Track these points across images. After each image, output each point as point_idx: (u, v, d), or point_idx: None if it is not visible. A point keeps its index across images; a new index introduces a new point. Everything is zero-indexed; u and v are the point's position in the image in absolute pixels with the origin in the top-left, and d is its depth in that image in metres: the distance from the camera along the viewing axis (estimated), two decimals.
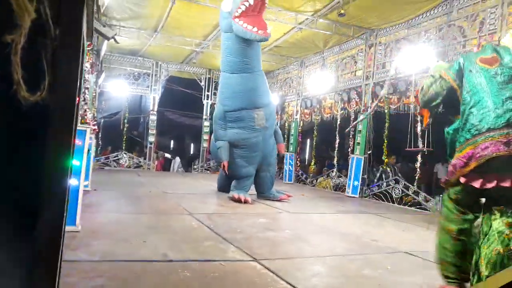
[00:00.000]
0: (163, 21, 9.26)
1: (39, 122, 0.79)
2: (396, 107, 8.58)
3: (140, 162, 13.30)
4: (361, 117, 8.75)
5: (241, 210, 5.88)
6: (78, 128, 3.61)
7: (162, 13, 8.81)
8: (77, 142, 3.70)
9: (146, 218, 4.69)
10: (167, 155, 15.03)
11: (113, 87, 12.93)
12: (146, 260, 3.00)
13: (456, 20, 7.22)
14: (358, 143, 9.24)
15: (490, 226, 2.17)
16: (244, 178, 6.90)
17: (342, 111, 10.31)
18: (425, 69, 7.50)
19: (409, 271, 3.30)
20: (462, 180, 2.27)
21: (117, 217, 4.64)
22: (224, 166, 6.67)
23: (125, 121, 13.63)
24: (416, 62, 7.52)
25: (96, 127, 8.54)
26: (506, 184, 2.10)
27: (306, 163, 13.58)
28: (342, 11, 7.61)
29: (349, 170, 9.34)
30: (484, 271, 2.09)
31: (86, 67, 5.42)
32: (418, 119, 7.81)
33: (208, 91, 14.31)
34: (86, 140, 3.87)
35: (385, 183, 8.75)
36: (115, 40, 8.05)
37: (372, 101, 9.05)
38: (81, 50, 0.81)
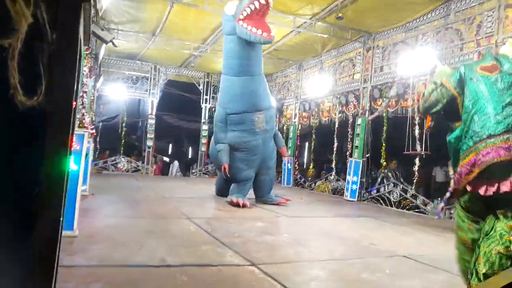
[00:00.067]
0: (162, 24, 9.27)
1: (36, 126, 0.79)
2: (394, 110, 8.59)
3: (138, 166, 13.27)
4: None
5: (239, 214, 5.87)
6: (75, 132, 3.61)
7: (161, 16, 8.83)
8: (75, 146, 3.69)
9: (144, 223, 4.67)
10: (166, 159, 15.00)
11: (112, 91, 12.92)
12: (144, 265, 2.99)
13: (453, 23, 7.25)
14: (357, 146, 9.24)
15: (492, 227, 2.19)
16: (243, 182, 6.89)
17: (340, 115, 10.32)
18: (423, 72, 7.54)
19: (407, 275, 3.30)
20: (469, 188, 2.30)
21: (114, 221, 4.62)
22: (225, 168, 6.66)
23: (123, 125, 13.61)
24: (414, 65, 7.55)
25: (94, 131, 8.52)
26: (507, 188, 2.12)
27: (305, 166, 13.58)
28: (340, 15, 7.64)
29: (347, 173, 9.34)
30: (482, 269, 2.11)
31: (84, 71, 5.42)
32: (416, 122, 7.84)
33: (206, 95, 14.31)
34: (84, 144, 3.86)
35: (383, 187, 8.75)
36: (113, 43, 8.05)
37: (373, 103, 9.08)
38: (78, 55, 0.81)
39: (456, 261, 2.55)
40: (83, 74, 5.23)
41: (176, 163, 14.35)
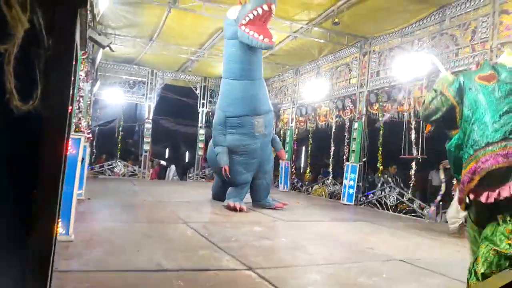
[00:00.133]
0: (159, 29, 9.29)
1: (32, 130, 0.79)
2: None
3: (135, 170, 13.23)
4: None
5: (236, 218, 5.86)
6: (72, 136, 3.60)
7: (158, 21, 8.85)
8: (71, 150, 3.68)
9: (141, 227, 4.65)
10: (163, 163, 14.97)
11: (108, 95, 12.90)
12: (140, 270, 2.98)
13: (448, 29, 7.32)
14: (353, 150, 9.27)
15: (493, 232, 2.22)
16: (240, 186, 6.89)
17: (337, 119, 10.35)
18: (418, 77, 7.59)
19: (404, 279, 3.30)
20: (471, 196, 2.35)
21: (111, 226, 4.60)
22: (225, 170, 6.65)
23: (120, 129, 13.59)
24: (410, 70, 7.61)
25: (90, 135, 8.50)
26: (507, 193, 2.17)
27: (302, 170, 13.58)
28: (336, 20, 7.69)
29: (344, 177, 9.35)
30: (481, 269, 2.15)
31: (81, 75, 5.41)
32: (412, 126, 7.88)
33: (203, 99, 14.32)
34: (80, 149, 3.85)
35: (379, 191, 8.76)
36: (110, 48, 8.05)
37: (369, 107, 9.12)
38: (73, 60, 0.82)
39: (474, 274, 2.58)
40: (80, 78, 5.23)
41: (173, 167, 14.32)
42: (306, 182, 11.61)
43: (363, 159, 9.12)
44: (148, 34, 9.87)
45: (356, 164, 9.05)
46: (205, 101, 14.32)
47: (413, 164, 7.92)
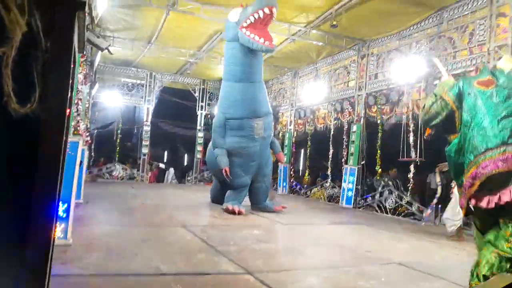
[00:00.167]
0: (157, 32, 9.30)
1: (30, 133, 0.78)
2: (388, 117, 8.65)
3: (133, 173, 13.20)
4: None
5: (235, 221, 5.84)
6: (70, 139, 3.59)
7: (156, 24, 8.86)
8: (69, 153, 3.67)
9: (139, 231, 4.64)
10: (162, 165, 14.95)
11: (107, 98, 12.89)
12: (139, 274, 2.96)
13: (446, 32, 7.34)
14: (352, 153, 9.27)
15: (496, 236, 2.25)
16: (238, 189, 6.87)
17: (336, 121, 10.36)
18: (417, 79, 7.61)
19: (402, 283, 3.29)
20: (472, 202, 2.38)
21: (109, 230, 4.59)
22: (226, 171, 6.64)
23: (119, 132, 13.56)
24: (408, 73, 7.63)
25: (88, 138, 8.48)
26: (508, 197, 2.19)
27: (300, 173, 13.58)
28: (335, 23, 7.71)
29: (343, 180, 9.35)
30: (482, 271, 2.18)
31: (80, 78, 5.41)
32: (411, 129, 7.89)
33: (202, 101, 14.32)
34: (78, 152, 3.84)
35: (378, 194, 8.76)
36: (109, 51, 8.04)
37: (368, 110, 9.14)
38: (71, 63, 0.81)
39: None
40: (78, 81, 5.22)
41: (171, 170, 14.29)
42: (305, 185, 11.60)
43: (362, 162, 9.12)
44: (146, 36, 9.87)
45: (354, 167, 9.05)
46: (203, 104, 14.32)
47: (412, 167, 7.93)
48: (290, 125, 12.31)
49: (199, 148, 14.01)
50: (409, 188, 8.07)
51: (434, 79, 7.30)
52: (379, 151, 8.78)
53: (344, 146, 9.90)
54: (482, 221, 2.43)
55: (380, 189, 8.90)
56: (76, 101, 5.14)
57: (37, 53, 0.76)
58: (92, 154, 12.98)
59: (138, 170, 13.21)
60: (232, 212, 6.37)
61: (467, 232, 5.99)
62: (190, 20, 8.45)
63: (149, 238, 4.23)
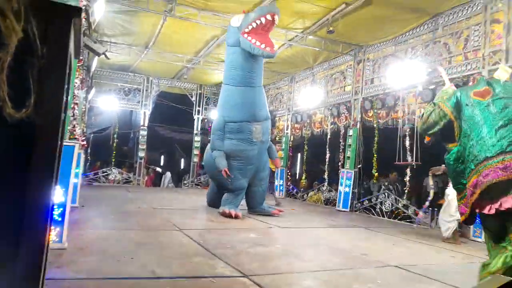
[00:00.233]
0: (155, 37, 9.33)
1: (24, 138, 0.80)
2: (384, 121, 8.70)
3: (129, 177, 13.17)
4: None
5: (232, 225, 5.84)
6: (66, 143, 3.59)
7: (154, 29, 8.89)
8: (65, 158, 3.67)
9: (135, 235, 4.63)
10: (158, 169, 14.92)
11: (103, 102, 12.89)
12: (134, 277, 2.95)
13: (441, 37, 7.42)
14: (348, 157, 9.30)
15: (510, 240, 2.33)
16: (235, 192, 6.88)
17: (332, 126, 10.41)
18: (412, 84, 7.67)
19: (398, 285, 3.31)
20: (476, 210, 2.44)
21: (105, 233, 4.58)
22: (226, 171, 6.64)
23: (115, 136, 13.55)
24: (404, 78, 7.69)
25: (85, 142, 8.47)
26: (509, 204, 2.26)
27: (297, 177, 13.60)
28: (331, 28, 7.77)
29: (339, 184, 9.37)
30: (494, 267, 2.31)
31: (76, 82, 5.41)
32: (407, 133, 7.94)
33: (199, 106, 14.35)
34: (74, 156, 3.84)
35: (375, 197, 8.78)
36: (106, 56, 8.06)
37: (364, 114, 9.19)
38: (67, 69, 0.83)
39: None
40: (75, 86, 5.22)
41: (168, 174, 14.27)
42: (302, 189, 11.62)
43: (358, 166, 9.16)
44: (143, 42, 9.90)
45: (351, 171, 9.09)
46: (200, 108, 14.35)
47: (408, 171, 7.97)
48: (287, 130, 12.35)
49: (195, 152, 14.01)
50: (406, 191, 8.10)
51: (429, 84, 7.38)
52: (375, 155, 8.82)
53: (340, 150, 9.94)
54: (489, 222, 2.48)
55: (381, 191, 8.91)
56: (72, 106, 5.15)
57: (33, 59, 0.77)
58: (89, 158, 12.95)
59: (134, 174, 13.18)
60: (229, 216, 6.37)
61: (463, 235, 6.03)
62: (187, 26, 8.49)
63: (145, 242, 4.23)
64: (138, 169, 13.14)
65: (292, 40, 9.13)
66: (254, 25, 6.28)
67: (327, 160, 10.62)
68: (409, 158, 7.82)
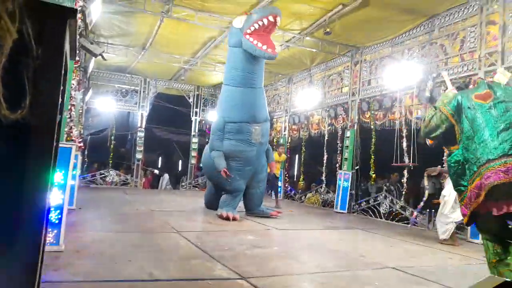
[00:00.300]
0: (152, 38, 9.32)
1: (20, 139, 0.79)
2: (381, 123, 8.72)
3: (127, 179, 13.13)
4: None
5: (229, 227, 5.83)
6: (63, 145, 3.58)
7: (151, 30, 8.88)
8: (61, 159, 3.65)
9: (132, 237, 4.61)
10: (156, 171, 14.89)
11: (101, 103, 12.86)
12: (131, 280, 2.94)
13: (437, 39, 7.45)
14: (346, 158, 9.31)
15: None
16: (233, 194, 6.86)
17: (330, 127, 10.42)
18: (409, 86, 7.70)
19: (396, 287, 3.30)
20: (481, 211, 2.48)
21: (102, 236, 4.55)
22: (225, 172, 6.63)
23: (112, 138, 13.51)
24: (401, 79, 7.72)
25: (81, 144, 8.44)
26: None
27: (295, 179, 13.59)
28: (328, 30, 7.79)
29: (337, 185, 9.37)
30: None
31: (73, 84, 5.40)
32: (404, 134, 7.95)
33: (196, 107, 14.34)
34: (71, 158, 3.83)
35: (372, 199, 8.79)
36: (102, 57, 8.05)
37: (361, 115, 9.20)
38: (62, 70, 0.82)
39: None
40: (72, 87, 5.21)
41: (166, 176, 14.24)
42: (300, 190, 11.61)
43: (356, 167, 9.17)
44: (141, 43, 9.89)
45: (349, 172, 9.09)
46: (198, 110, 14.34)
47: (405, 172, 7.98)
48: (284, 131, 12.35)
49: (193, 153, 13.99)
50: (403, 193, 8.12)
51: (425, 85, 7.40)
52: (372, 156, 8.83)
53: (338, 152, 9.95)
54: (489, 223, 2.52)
55: (382, 192, 8.92)
56: (69, 107, 5.13)
57: (28, 60, 0.77)
58: (86, 160, 12.90)
59: (132, 176, 13.15)
60: (227, 219, 6.35)
61: (461, 236, 6.04)
62: (184, 27, 8.49)
63: (143, 244, 4.21)
64: (136, 171, 13.10)
65: (289, 41, 9.15)
66: (256, 26, 6.30)
67: (324, 161, 10.63)
68: (406, 160, 7.84)
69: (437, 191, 6.58)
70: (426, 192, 6.66)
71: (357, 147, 9.22)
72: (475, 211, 2.50)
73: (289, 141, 12.24)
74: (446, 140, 2.80)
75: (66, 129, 4.91)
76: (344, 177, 9.14)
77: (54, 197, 3.50)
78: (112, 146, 13.39)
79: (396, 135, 8.02)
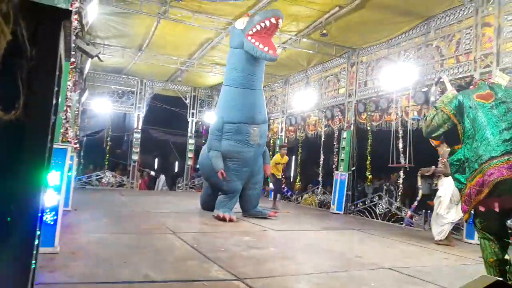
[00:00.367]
0: (148, 39, 9.31)
1: (13, 140, 0.79)
2: (378, 124, 8.75)
3: (123, 181, 13.09)
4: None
5: (226, 228, 5.83)
6: (58, 146, 3.56)
7: (147, 32, 8.87)
8: (57, 161, 3.64)
9: (128, 238, 4.60)
10: (152, 173, 14.85)
11: (97, 105, 12.82)
12: (127, 282, 2.93)
13: (433, 40, 7.49)
14: (342, 159, 9.33)
15: None
16: (229, 195, 6.86)
17: (326, 128, 10.44)
18: (405, 87, 7.73)
19: (392, 287, 3.31)
20: (482, 208, 2.49)
21: (97, 237, 4.54)
22: (222, 173, 6.63)
23: (108, 139, 13.47)
24: (397, 80, 7.75)
25: (77, 145, 8.40)
26: None
27: (291, 180, 13.61)
28: (325, 31, 7.81)
29: (333, 186, 9.39)
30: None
31: (69, 85, 5.38)
32: (400, 135, 7.99)
33: (193, 109, 14.33)
34: (67, 159, 3.81)
35: (369, 200, 8.81)
36: (99, 58, 8.03)
37: (358, 117, 9.23)
38: (57, 71, 0.82)
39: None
40: (68, 88, 5.19)
41: (162, 177, 14.21)
42: (296, 191, 11.62)
43: (352, 168, 9.19)
44: (137, 44, 9.88)
45: (345, 173, 9.11)
46: (194, 111, 14.33)
47: (401, 173, 8.01)
48: (281, 132, 12.36)
49: (190, 155, 13.98)
50: (399, 193, 8.14)
51: (421, 87, 7.44)
52: (369, 157, 8.86)
53: (334, 153, 9.97)
54: (488, 221, 2.54)
55: (383, 193, 8.93)
56: (65, 108, 5.11)
57: (22, 61, 0.77)
58: (81, 161, 12.85)
59: (128, 177, 13.11)
60: (223, 219, 6.35)
61: (456, 237, 6.06)
62: (181, 28, 8.49)
63: (138, 246, 4.20)
64: (132, 172, 13.07)
65: (286, 42, 9.17)
66: (258, 27, 6.33)
67: (321, 162, 10.65)
68: (402, 161, 7.87)
69: (434, 192, 6.60)
70: (420, 192, 6.69)
71: (354, 148, 9.25)
72: (476, 208, 2.53)
73: (286, 142, 12.24)
74: (449, 139, 2.84)
75: (61, 130, 4.89)
76: (341, 178, 9.16)
77: (49, 198, 3.49)
78: (108, 147, 13.36)
79: (392, 136, 8.05)
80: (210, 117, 12.86)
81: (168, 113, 15.01)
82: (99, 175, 12.81)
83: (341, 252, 4.62)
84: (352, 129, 9.32)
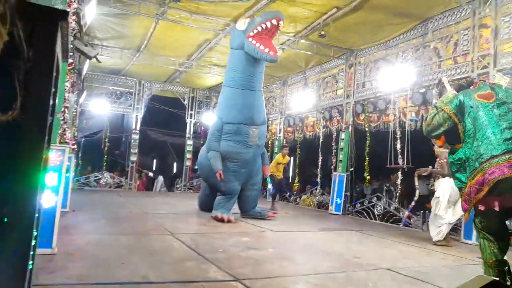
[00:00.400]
0: (147, 41, 9.31)
1: (10, 141, 0.79)
2: (376, 125, 8.76)
3: (121, 182, 13.07)
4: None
5: (224, 229, 5.82)
6: (56, 147, 3.56)
7: (146, 33, 8.87)
8: (55, 161, 3.63)
9: (126, 239, 4.59)
10: (151, 174, 14.83)
11: (95, 106, 12.80)
12: (125, 283, 2.93)
13: (431, 42, 7.51)
14: (341, 160, 9.34)
15: None
16: (228, 196, 6.86)
17: (324, 129, 10.46)
18: (403, 88, 7.75)
19: None
20: (481, 207, 2.52)
21: (96, 238, 4.53)
22: (220, 174, 6.63)
23: (106, 140, 13.45)
24: (395, 81, 7.78)
25: (75, 146, 8.39)
26: None
27: (290, 180, 13.61)
28: (322, 32, 7.83)
29: (332, 187, 9.39)
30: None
31: (67, 86, 5.37)
32: (398, 136, 8.01)
33: (191, 110, 14.32)
34: (65, 160, 3.80)
35: (367, 200, 8.82)
36: (97, 59, 8.03)
37: (356, 118, 9.24)
38: (54, 72, 0.82)
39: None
40: (65, 89, 5.18)
41: (160, 178, 14.19)
42: (294, 192, 11.63)
43: (351, 169, 9.20)
44: (135, 45, 9.87)
45: (343, 174, 9.12)
46: (193, 112, 14.32)
47: (399, 174, 8.02)
48: (279, 133, 12.37)
49: (188, 156, 13.96)
50: (397, 194, 8.16)
51: (419, 88, 7.46)
52: (367, 158, 8.87)
53: (333, 154, 9.98)
54: (488, 221, 2.54)
55: (384, 194, 8.92)
56: (63, 109, 5.10)
57: (19, 62, 0.77)
58: (80, 162, 12.83)
59: (126, 178, 13.09)
60: (221, 220, 6.35)
61: (454, 237, 6.08)
62: (179, 29, 8.49)
63: (137, 247, 4.19)
64: (130, 173, 13.05)
65: (284, 44, 9.18)
66: (259, 29, 6.34)
67: (319, 163, 10.66)
68: (400, 161, 7.88)
69: (431, 192, 6.61)
70: (417, 192, 6.70)
71: (352, 149, 9.26)
72: (475, 207, 2.54)
73: (284, 143, 12.24)
74: (450, 138, 2.85)
75: (59, 131, 4.89)
76: (339, 179, 9.16)
77: (47, 200, 3.48)
78: (106, 148, 13.34)
79: (390, 137, 8.07)
80: (208, 118, 12.88)
81: (166, 114, 15.01)
82: (97, 176, 12.79)
83: (340, 253, 4.62)
84: (350, 130, 9.34)
